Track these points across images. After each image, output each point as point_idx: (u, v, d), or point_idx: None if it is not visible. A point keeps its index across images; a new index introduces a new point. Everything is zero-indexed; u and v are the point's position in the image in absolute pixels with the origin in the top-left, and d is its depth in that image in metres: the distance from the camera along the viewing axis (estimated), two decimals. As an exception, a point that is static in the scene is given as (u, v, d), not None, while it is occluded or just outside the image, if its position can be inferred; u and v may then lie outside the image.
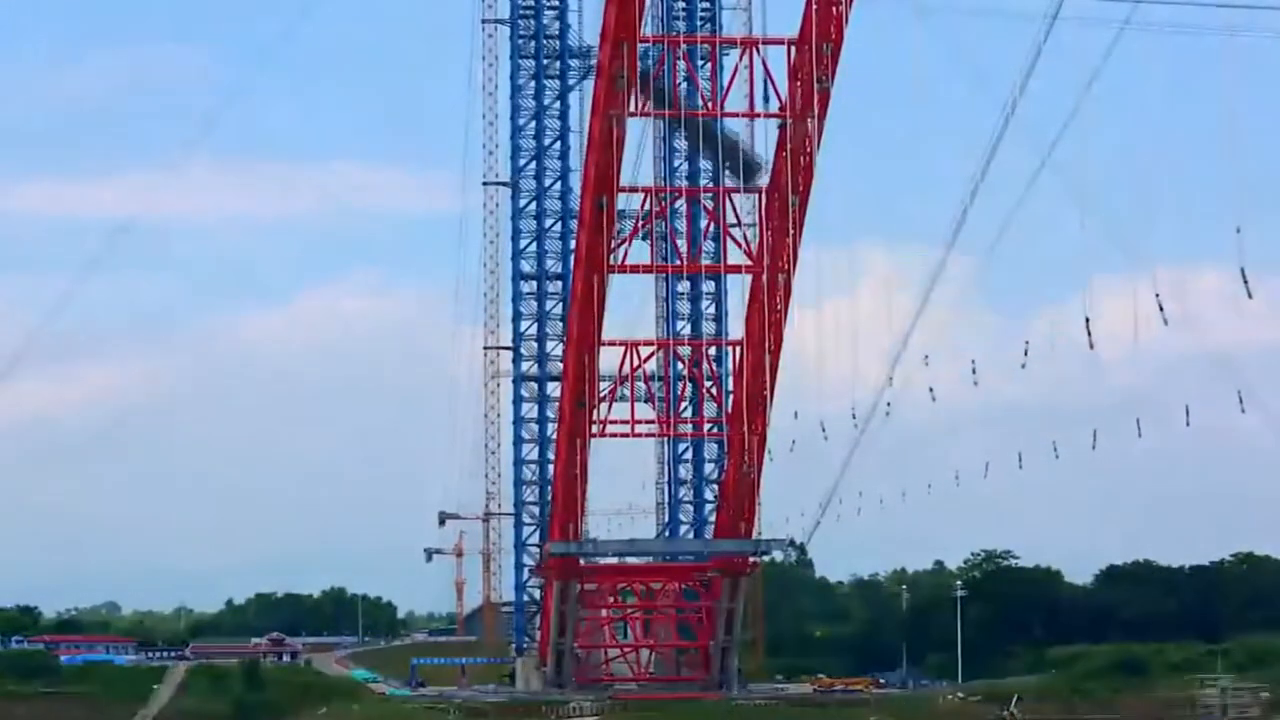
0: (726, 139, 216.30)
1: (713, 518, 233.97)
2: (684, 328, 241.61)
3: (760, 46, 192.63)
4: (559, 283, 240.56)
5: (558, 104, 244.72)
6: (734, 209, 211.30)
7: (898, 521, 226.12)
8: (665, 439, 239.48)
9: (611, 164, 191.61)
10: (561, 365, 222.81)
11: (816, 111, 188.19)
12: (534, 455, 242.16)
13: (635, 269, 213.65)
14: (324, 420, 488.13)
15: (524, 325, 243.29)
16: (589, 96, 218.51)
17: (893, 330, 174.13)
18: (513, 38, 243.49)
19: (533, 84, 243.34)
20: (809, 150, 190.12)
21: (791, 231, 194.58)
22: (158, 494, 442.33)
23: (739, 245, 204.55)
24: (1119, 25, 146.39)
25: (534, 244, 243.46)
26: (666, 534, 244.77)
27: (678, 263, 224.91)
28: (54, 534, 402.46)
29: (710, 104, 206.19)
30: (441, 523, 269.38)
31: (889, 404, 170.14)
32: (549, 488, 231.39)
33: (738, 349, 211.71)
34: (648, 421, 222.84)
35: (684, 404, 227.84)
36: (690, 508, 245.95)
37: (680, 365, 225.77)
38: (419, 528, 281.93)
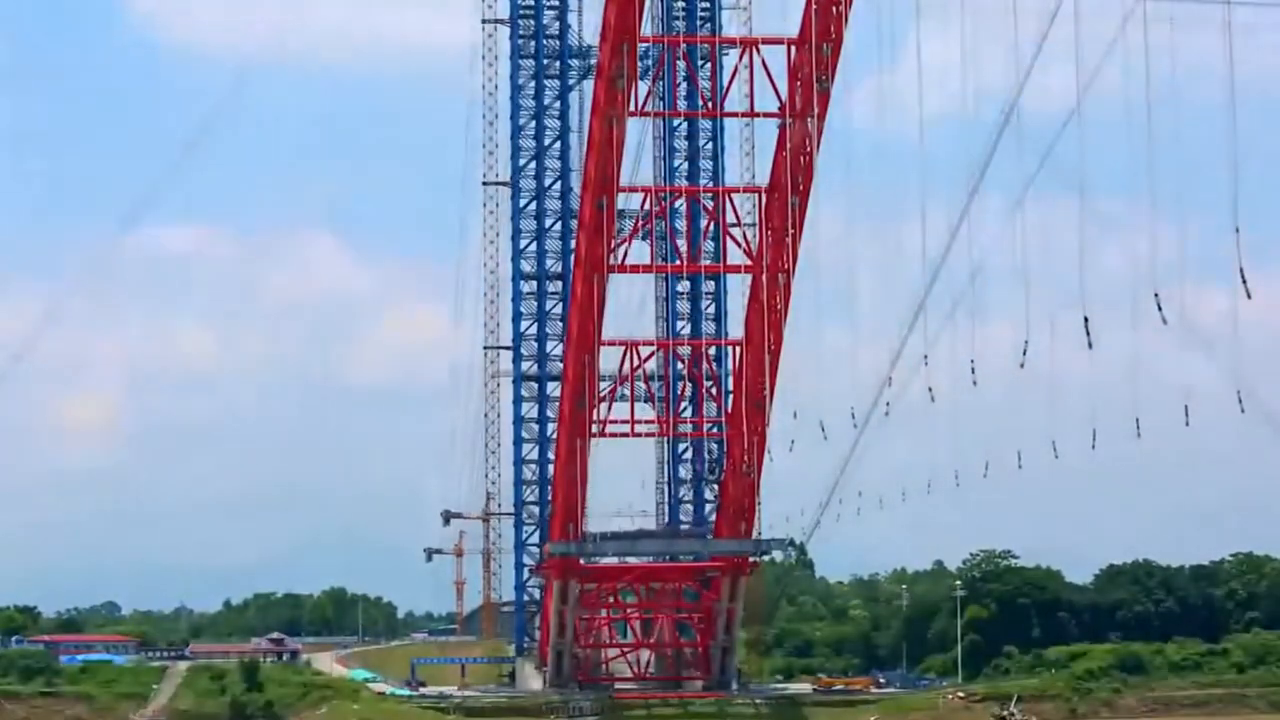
0: None
1: (713, 518, 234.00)
2: (684, 328, 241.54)
3: (760, 46, 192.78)
4: (559, 283, 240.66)
5: (558, 104, 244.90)
6: (734, 209, 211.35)
7: (898, 521, 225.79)
8: (665, 439, 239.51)
9: (611, 164, 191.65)
10: (561, 365, 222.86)
11: (816, 111, 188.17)
12: (534, 455, 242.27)
13: (635, 269, 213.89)
14: (324, 420, 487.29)
15: (524, 325, 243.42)
16: (589, 96, 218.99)
17: (892, 330, 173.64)
18: (513, 38, 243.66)
19: (533, 84, 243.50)
20: (809, 150, 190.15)
21: (791, 231, 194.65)
22: (158, 494, 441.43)
23: (739, 245, 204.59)
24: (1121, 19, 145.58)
25: (534, 244, 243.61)
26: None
27: (678, 263, 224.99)
28: (54, 534, 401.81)
29: (710, 104, 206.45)
30: (446, 522, 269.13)
31: (889, 404, 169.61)
32: (549, 488, 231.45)
33: (738, 349, 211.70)
34: (648, 421, 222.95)
35: (684, 404, 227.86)
36: (690, 508, 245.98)
37: (680, 365, 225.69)
38: (419, 528, 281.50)
